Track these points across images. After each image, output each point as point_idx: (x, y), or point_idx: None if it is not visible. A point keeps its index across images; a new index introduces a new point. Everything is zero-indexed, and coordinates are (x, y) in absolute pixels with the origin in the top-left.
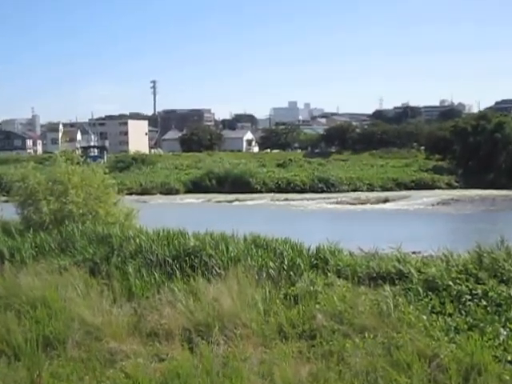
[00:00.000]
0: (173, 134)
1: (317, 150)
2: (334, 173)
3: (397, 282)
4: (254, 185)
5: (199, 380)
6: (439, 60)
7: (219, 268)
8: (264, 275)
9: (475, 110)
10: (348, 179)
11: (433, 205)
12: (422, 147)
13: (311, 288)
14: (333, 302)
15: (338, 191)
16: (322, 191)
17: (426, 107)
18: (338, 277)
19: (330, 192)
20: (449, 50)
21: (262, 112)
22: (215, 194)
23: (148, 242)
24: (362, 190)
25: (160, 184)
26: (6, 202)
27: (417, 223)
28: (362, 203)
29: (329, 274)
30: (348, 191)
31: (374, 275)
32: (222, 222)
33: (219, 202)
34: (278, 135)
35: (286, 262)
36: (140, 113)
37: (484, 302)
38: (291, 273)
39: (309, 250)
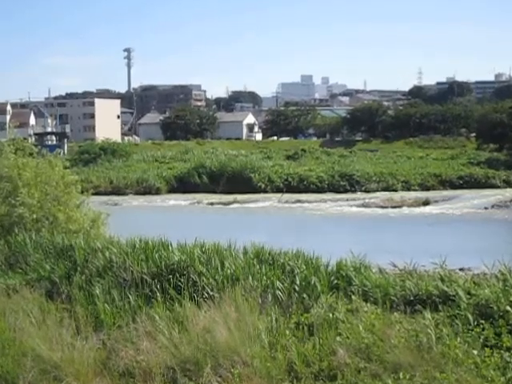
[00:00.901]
0: (152, 118)
1: (338, 138)
2: (359, 167)
3: (440, 307)
4: (256, 182)
5: None
6: (493, 27)
7: (212, 289)
8: (270, 299)
9: None
10: (378, 175)
11: (486, 208)
12: (473, 134)
13: (330, 315)
14: (358, 333)
15: (365, 190)
16: (345, 191)
17: (477, 82)
18: (365, 301)
19: (355, 191)
20: (506, 17)
21: (266, 89)
22: (207, 195)
23: (121, 256)
24: (395, 190)
25: (136, 181)
26: None
27: (465, 232)
28: (395, 206)
29: (353, 297)
30: (378, 190)
31: (411, 298)
32: (215, 230)
33: (212, 204)
34: (287, 118)
35: (297, 282)
36: (110, 90)
37: None
38: (304, 295)
39: (327, 266)
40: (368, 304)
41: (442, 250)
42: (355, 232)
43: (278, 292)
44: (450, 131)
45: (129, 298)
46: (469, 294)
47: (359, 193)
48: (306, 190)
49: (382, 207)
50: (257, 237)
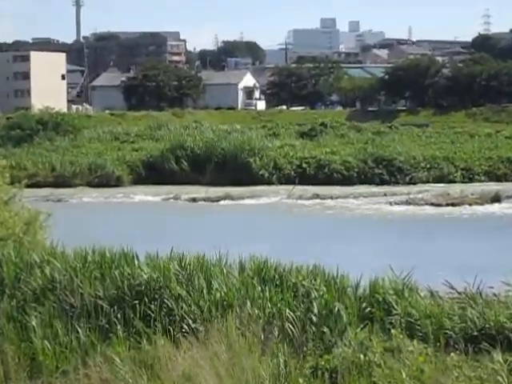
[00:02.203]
0: (111, 78)
1: (372, 108)
2: (402, 149)
3: None
4: (257, 170)
5: None
6: None
7: (194, 320)
8: (276, 333)
9: None
10: (428, 160)
11: None
12: None
13: (361, 356)
14: (401, 382)
15: (411, 182)
16: (382, 182)
17: None
18: (410, 336)
19: (396, 183)
20: None
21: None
22: (187, 187)
23: (67, 274)
24: (452, 180)
25: (88, 168)
26: None
27: None
28: (452, 203)
29: (393, 332)
30: (428, 182)
31: (475, 333)
32: (199, 238)
33: (194, 200)
34: (301, 80)
35: (315, 310)
36: (52, 39)
37: None
38: (325, 329)
39: (357, 287)
40: (414, 341)
41: None
42: (396, 240)
43: (287, 324)
44: None
45: (78, 331)
46: None
47: (402, 185)
48: (328, 182)
49: (435, 205)
50: (258, 247)
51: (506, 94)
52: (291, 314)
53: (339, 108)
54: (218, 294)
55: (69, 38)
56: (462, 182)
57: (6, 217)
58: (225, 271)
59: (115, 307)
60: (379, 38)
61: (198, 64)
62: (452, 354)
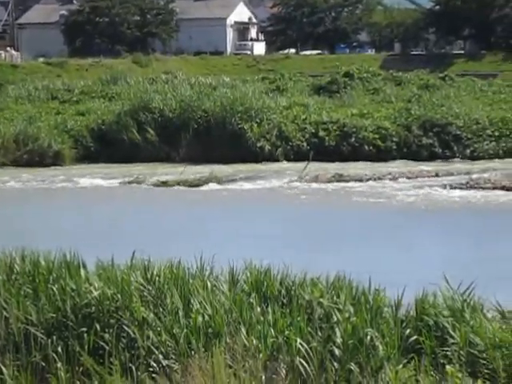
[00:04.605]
0: (46, 13)
1: (417, 51)
2: (460, 109)
3: None
4: (254, 141)
5: None
6: None
7: (166, 355)
8: (283, 372)
9: None
10: (497, 125)
11: None
12: None
13: None
14: None
15: (473, 156)
16: (432, 156)
17: None
18: (473, 375)
19: (453, 158)
20: None
21: None
22: (156, 165)
23: None
24: None
25: (14, 141)
26: None
27: None
28: None
29: (448, 369)
30: (497, 156)
31: None
32: (171, 238)
33: (165, 184)
34: (315, 12)
35: (338, 339)
36: None
37: None
38: (352, 366)
39: (397, 307)
40: (479, 382)
41: None
42: (452, 240)
43: (298, 359)
44: None
45: (1, 372)
46: None
47: (461, 161)
48: (355, 157)
49: (507, 189)
50: (255, 251)
51: None
52: (304, 345)
53: (371, 52)
54: (200, 318)
55: None
56: None
57: None
58: (209, 285)
59: (54, 337)
60: None
61: None
62: None
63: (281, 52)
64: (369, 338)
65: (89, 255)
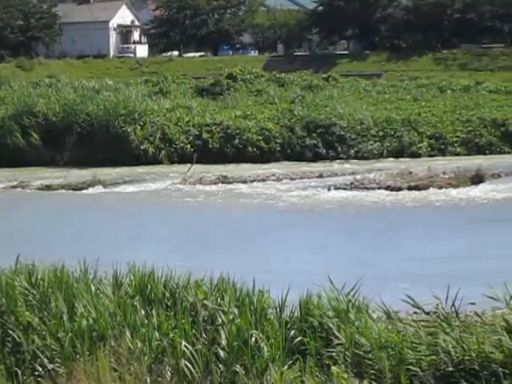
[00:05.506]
0: None
1: (300, 52)
2: (344, 110)
3: None
4: (137, 144)
5: None
6: None
7: (52, 359)
8: (169, 374)
9: None
10: (382, 126)
11: None
12: None
13: None
14: None
15: (357, 157)
16: (316, 157)
17: None
18: (359, 375)
19: (337, 159)
20: None
21: None
22: (39, 169)
23: None
24: (416, 153)
25: None
26: None
27: None
28: (416, 186)
29: (334, 369)
30: (382, 156)
31: (450, 369)
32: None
33: (49, 188)
34: (198, 14)
35: (223, 341)
36: None
37: None
38: (238, 367)
39: (281, 308)
40: (365, 382)
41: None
42: (337, 241)
43: (183, 361)
44: None
45: None
46: None
47: (345, 161)
48: (239, 158)
49: (391, 189)
50: (139, 254)
51: (487, 30)
52: (189, 347)
53: (254, 53)
54: (85, 322)
55: None
56: (430, 156)
57: None
58: (93, 289)
59: None
60: None
61: None
62: None
63: (164, 54)
64: (253, 339)
65: None
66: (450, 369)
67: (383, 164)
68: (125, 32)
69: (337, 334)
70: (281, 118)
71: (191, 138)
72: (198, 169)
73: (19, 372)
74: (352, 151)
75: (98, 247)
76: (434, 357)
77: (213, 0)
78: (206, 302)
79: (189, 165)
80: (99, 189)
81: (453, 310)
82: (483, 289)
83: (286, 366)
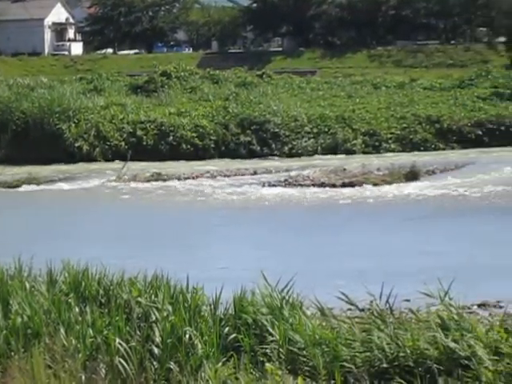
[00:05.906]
0: None
1: (234, 49)
2: (278, 107)
3: (441, 381)
4: (72, 141)
5: None
6: None
7: None
8: (103, 371)
9: None
10: (315, 122)
11: None
12: (502, 39)
13: None
14: None
15: (291, 154)
16: (250, 154)
17: None
18: (293, 372)
19: (272, 156)
20: None
21: None
22: None
23: None
24: (350, 150)
25: None
26: None
27: (489, 232)
28: (350, 183)
29: (268, 367)
30: (316, 153)
31: (384, 366)
32: None
33: None
34: (132, 12)
35: (157, 338)
36: None
37: None
38: (172, 364)
39: (215, 305)
40: (299, 379)
41: (443, 268)
42: (270, 237)
43: (117, 359)
44: (456, 33)
45: None
46: (496, 353)
47: (279, 158)
48: (174, 155)
49: (325, 186)
50: (74, 251)
51: (422, 27)
52: (123, 344)
53: (188, 50)
54: (19, 319)
55: None
56: (364, 153)
57: None
58: (28, 286)
59: None
60: None
61: None
62: None
63: (98, 52)
64: (188, 336)
65: None
66: (385, 365)
67: (317, 161)
68: (60, 30)
69: (271, 330)
70: (215, 115)
71: (125, 135)
72: (132, 166)
73: None
74: (286, 148)
75: (33, 245)
76: (368, 353)
77: None
78: (139, 299)
79: (123, 162)
80: (33, 187)
81: (387, 306)
82: (418, 285)
83: (220, 363)
